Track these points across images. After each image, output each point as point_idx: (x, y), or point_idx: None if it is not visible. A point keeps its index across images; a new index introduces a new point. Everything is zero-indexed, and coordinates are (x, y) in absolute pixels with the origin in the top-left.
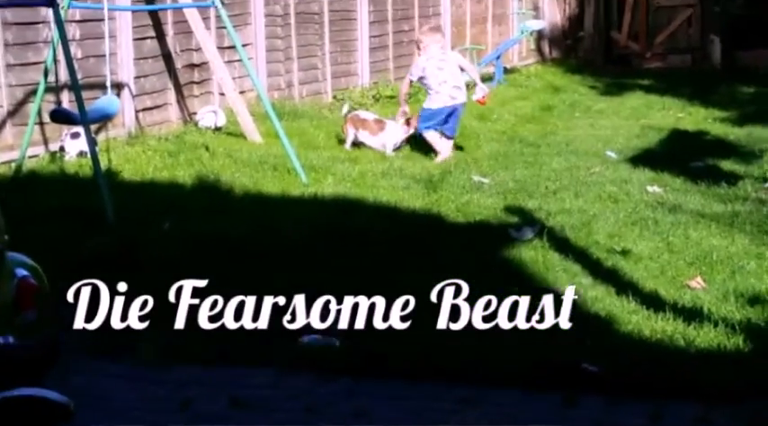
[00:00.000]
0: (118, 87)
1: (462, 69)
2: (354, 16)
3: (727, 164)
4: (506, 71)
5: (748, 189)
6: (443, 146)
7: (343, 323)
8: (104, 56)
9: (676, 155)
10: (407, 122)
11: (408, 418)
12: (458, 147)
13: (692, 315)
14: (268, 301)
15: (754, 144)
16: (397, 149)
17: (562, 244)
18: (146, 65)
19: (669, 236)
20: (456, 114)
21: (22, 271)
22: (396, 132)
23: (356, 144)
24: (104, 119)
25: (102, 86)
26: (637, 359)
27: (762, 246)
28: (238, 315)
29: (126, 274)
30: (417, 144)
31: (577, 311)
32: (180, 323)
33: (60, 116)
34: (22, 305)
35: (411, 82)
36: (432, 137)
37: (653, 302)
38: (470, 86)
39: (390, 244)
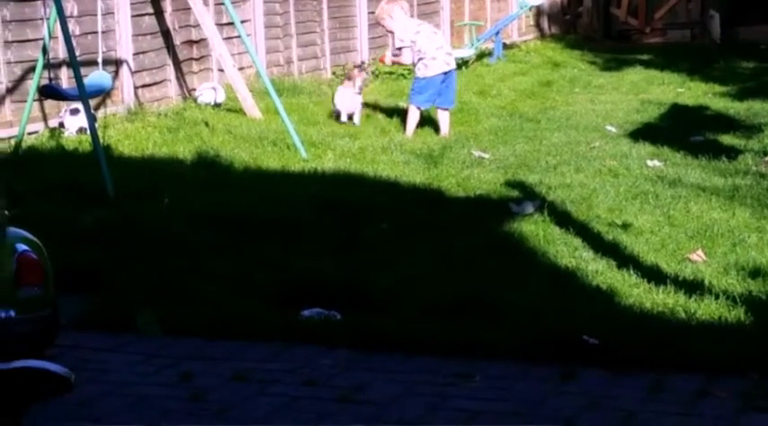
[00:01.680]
0: (116, 64)
1: None
2: None
3: (726, 138)
4: (506, 47)
5: (748, 162)
6: (442, 122)
7: (343, 297)
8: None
9: (676, 130)
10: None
11: (407, 391)
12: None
13: (693, 287)
14: (268, 275)
15: (753, 118)
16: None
17: (563, 218)
18: (144, 41)
19: (670, 210)
20: (451, 82)
21: (22, 246)
22: (344, 96)
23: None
24: (99, 93)
25: (102, 63)
26: (637, 331)
27: (762, 219)
28: (238, 288)
29: (125, 248)
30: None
31: (578, 284)
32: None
33: (50, 92)
34: (23, 279)
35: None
36: (416, 116)
37: (654, 275)
38: None
39: (391, 218)
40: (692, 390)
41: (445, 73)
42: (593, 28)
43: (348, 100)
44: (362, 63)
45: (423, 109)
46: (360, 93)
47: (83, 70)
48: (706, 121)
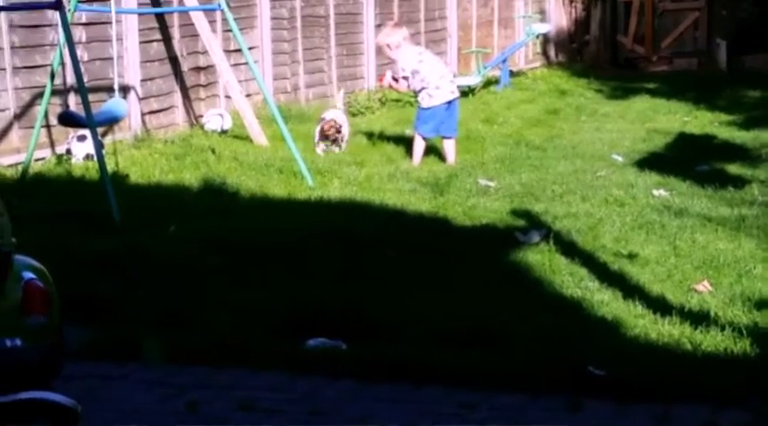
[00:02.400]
0: (124, 90)
1: None
2: (360, 19)
3: (733, 168)
4: (512, 74)
5: (755, 192)
6: (448, 151)
7: (350, 326)
8: (111, 59)
9: (683, 159)
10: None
11: (413, 421)
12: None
13: (699, 318)
14: (274, 303)
15: (760, 147)
16: (330, 148)
17: (569, 248)
18: (152, 68)
19: (676, 240)
20: (454, 110)
21: (28, 274)
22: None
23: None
24: (113, 121)
25: (108, 89)
26: (643, 362)
27: None
28: (245, 316)
29: (132, 276)
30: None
31: (584, 314)
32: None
33: (69, 119)
34: (29, 308)
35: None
36: (422, 146)
37: (659, 306)
38: None
39: (397, 246)
40: (698, 421)
41: (449, 101)
42: (599, 56)
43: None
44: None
45: (428, 138)
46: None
47: (92, 96)
48: (712, 151)
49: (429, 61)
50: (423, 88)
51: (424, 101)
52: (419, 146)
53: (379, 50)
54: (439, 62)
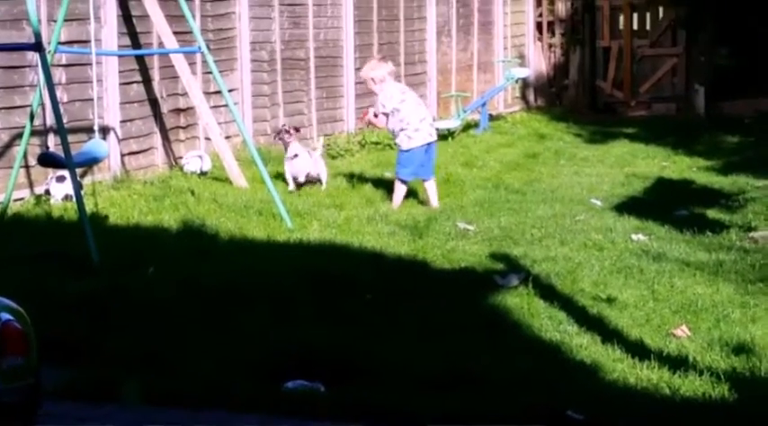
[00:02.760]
0: (104, 131)
1: None
2: (340, 62)
3: (711, 213)
4: (492, 118)
5: (733, 238)
6: (431, 194)
7: (329, 369)
8: (90, 100)
9: (661, 204)
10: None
11: None
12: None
13: (678, 363)
14: (253, 345)
15: (738, 193)
16: (303, 184)
17: (547, 292)
18: (132, 109)
19: (654, 284)
20: (432, 153)
21: (6, 315)
22: (302, 164)
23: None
24: (93, 162)
25: (87, 130)
26: (622, 407)
27: (746, 295)
28: (223, 358)
29: (109, 317)
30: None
31: (563, 358)
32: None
33: (49, 160)
34: (6, 349)
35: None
36: (403, 189)
37: (638, 350)
38: None
39: (375, 290)
40: None
41: (428, 144)
42: (578, 100)
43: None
44: (283, 126)
45: (408, 181)
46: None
47: (72, 138)
48: (691, 195)
49: (411, 102)
50: (402, 129)
51: (404, 143)
52: (400, 190)
53: (360, 92)
54: (420, 104)
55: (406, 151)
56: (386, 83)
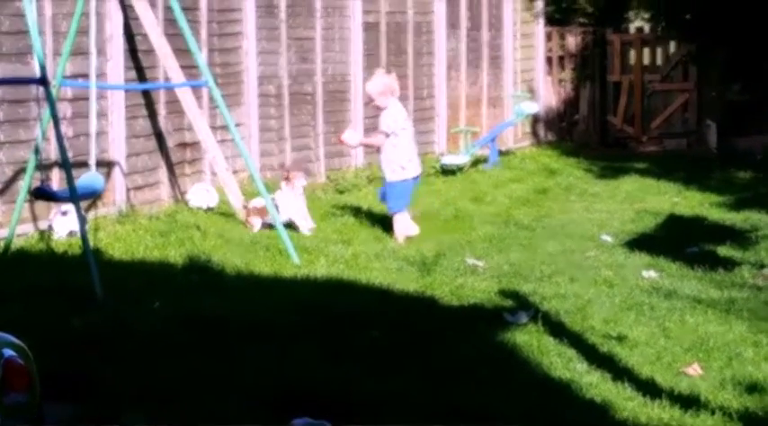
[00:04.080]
0: (109, 165)
1: None
2: (348, 97)
3: (723, 250)
4: (501, 153)
5: (745, 275)
6: (410, 224)
7: (335, 406)
8: (96, 134)
9: (672, 240)
10: (287, 177)
11: None
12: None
13: (689, 402)
14: (258, 381)
15: (750, 229)
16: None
17: (557, 329)
18: (138, 143)
19: (665, 322)
20: (416, 186)
21: (8, 351)
22: (289, 199)
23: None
24: (90, 196)
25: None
26: None
27: (759, 333)
28: (228, 393)
29: (114, 352)
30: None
31: (572, 396)
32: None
33: (42, 194)
34: (9, 385)
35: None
36: (405, 219)
37: (649, 389)
38: None
39: (382, 326)
40: None
41: (416, 176)
42: (589, 135)
43: (291, 204)
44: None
45: (403, 212)
46: (302, 195)
47: (75, 172)
48: (702, 232)
49: (409, 133)
50: (391, 159)
51: (397, 174)
52: (400, 221)
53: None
54: (413, 140)
55: (400, 182)
56: (393, 106)
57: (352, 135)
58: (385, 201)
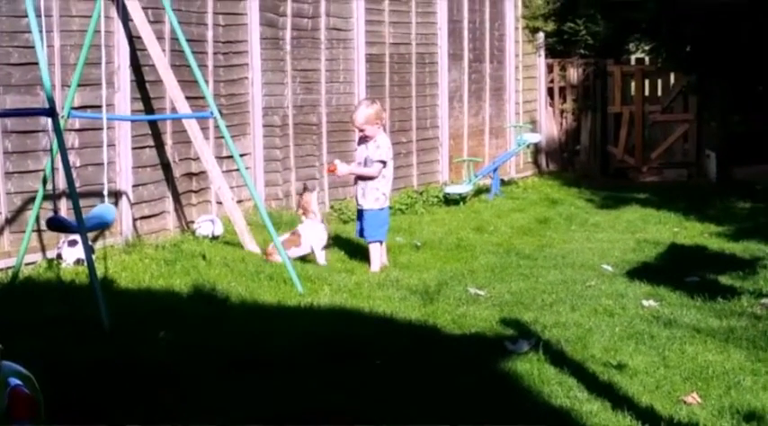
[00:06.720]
0: (116, 195)
1: None
2: (352, 127)
3: (722, 279)
4: (503, 183)
5: (744, 304)
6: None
7: None
8: (103, 164)
9: (672, 270)
10: (303, 209)
11: None
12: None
13: None
14: (263, 409)
15: (750, 259)
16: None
17: (558, 358)
18: (144, 173)
19: (665, 351)
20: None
21: (14, 381)
22: (314, 230)
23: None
24: (101, 227)
25: (99, 195)
26: None
27: (758, 362)
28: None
29: (119, 382)
30: (413, 254)
31: (573, 425)
32: None
33: (57, 224)
34: (15, 415)
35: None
36: (382, 248)
37: (649, 417)
38: None
39: (385, 355)
40: None
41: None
42: (590, 165)
43: (313, 236)
44: (304, 185)
45: (384, 241)
46: (322, 224)
47: (83, 202)
48: (702, 261)
49: (391, 164)
50: (377, 188)
51: (379, 201)
52: (378, 251)
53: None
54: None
55: (383, 209)
56: (383, 137)
57: (341, 165)
58: (363, 236)
